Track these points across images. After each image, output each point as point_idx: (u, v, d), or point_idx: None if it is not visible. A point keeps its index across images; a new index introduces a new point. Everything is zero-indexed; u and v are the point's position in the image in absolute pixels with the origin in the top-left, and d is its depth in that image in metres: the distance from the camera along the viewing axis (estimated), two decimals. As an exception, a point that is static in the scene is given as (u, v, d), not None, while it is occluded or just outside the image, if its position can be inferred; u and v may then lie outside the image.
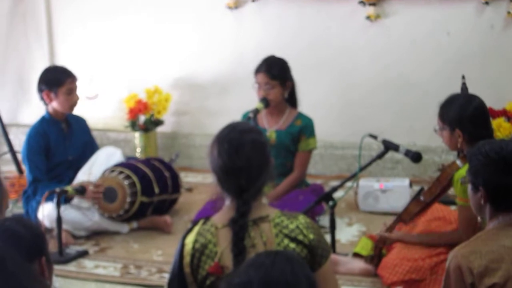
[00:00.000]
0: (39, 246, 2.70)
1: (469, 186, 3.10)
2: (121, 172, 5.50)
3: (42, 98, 5.60)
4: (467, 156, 3.13)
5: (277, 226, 2.95)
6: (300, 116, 5.69)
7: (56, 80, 5.55)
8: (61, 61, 7.29)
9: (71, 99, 5.57)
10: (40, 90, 5.59)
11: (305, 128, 5.65)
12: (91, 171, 5.58)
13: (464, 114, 4.20)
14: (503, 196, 3.00)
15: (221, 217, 3.01)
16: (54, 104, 5.57)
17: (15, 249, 2.41)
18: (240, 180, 2.95)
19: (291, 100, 5.70)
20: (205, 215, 3.12)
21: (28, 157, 5.56)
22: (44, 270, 2.68)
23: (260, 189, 3.01)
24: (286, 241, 2.93)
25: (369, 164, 5.04)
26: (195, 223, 3.07)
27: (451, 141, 4.25)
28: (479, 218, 4.16)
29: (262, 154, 3.00)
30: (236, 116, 5.50)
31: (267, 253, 2.27)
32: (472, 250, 2.87)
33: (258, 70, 5.58)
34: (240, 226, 2.93)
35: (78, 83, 5.63)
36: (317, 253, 2.95)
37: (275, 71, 5.55)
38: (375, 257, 4.62)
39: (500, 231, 2.98)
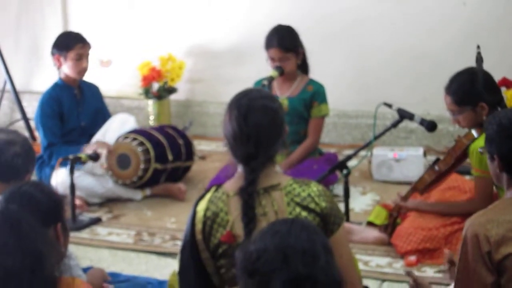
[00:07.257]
0: (56, 212, 2.70)
1: (487, 156, 3.07)
2: (134, 139, 5.49)
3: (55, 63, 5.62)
4: (484, 125, 3.10)
5: (288, 195, 2.91)
6: (311, 82, 5.62)
7: (66, 44, 5.57)
8: (74, 28, 7.24)
9: (80, 64, 5.56)
10: (52, 53, 5.61)
11: (316, 94, 5.58)
12: (105, 138, 5.58)
13: (479, 85, 4.18)
14: None
15: (232, 185, 2.98)
16: (64, 69, 5.58)
17: (31, 214, 2.41)
18: (249, 147, 2.90)
19: (303, 66, 5.63)
20: (218, 183, 3.09)
21: (42, 122, 5.56)
22: (59, 236, 2.69)
23: (271, 157, 2.97)
24: (297, 209, 2.89)
25: (384, 133, 5.02)
26: (207, 190, 3.04)
27: (474, 119, 4.17)
28: (494, 189, 4.16)
29: (273, 121, 2.95)
30: (250, 84, 5.48)
31: (283, 220, 2.26)
32: (489, 219, 2.85)
33: (269, 45, 5.46)
34: (249, 194, 2.89)
35: (89, 51, 5.62)
36: (329, 221, 2.91)
37: (287, 43, 5.44)
38: (389, 226, 4.62)
39: (517, 201, 2.95)
